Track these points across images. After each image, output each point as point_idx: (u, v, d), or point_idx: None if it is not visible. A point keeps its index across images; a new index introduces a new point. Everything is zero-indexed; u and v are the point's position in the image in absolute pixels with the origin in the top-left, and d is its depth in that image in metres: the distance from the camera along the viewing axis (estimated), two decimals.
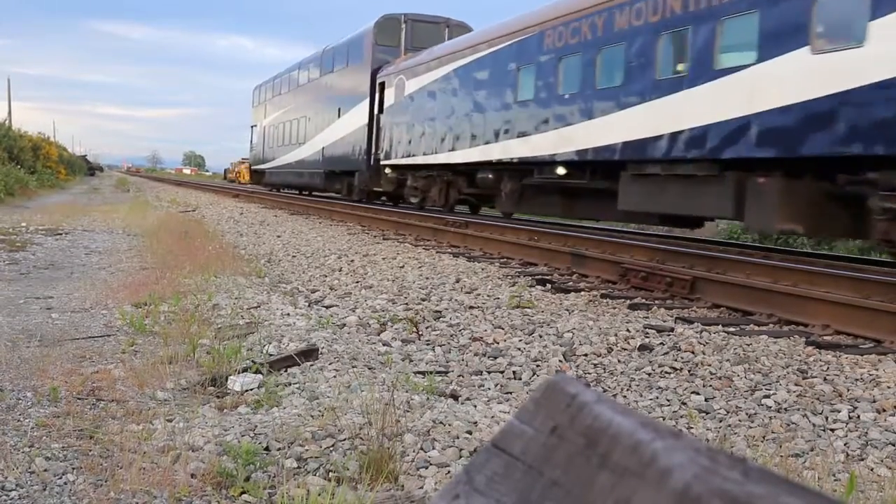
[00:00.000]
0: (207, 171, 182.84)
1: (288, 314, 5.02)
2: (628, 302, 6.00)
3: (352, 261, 8.42)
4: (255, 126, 36.58)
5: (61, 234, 10.67)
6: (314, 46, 34.44)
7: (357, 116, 21.47)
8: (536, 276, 7.31)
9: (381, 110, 20.12)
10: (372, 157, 20.24)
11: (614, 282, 7.06)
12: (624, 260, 7.66)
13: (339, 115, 23.24)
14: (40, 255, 8.23)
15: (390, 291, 6.33)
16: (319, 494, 2.13)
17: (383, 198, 22.73)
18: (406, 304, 5.74)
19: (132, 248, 9.33)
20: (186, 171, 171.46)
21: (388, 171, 19.43)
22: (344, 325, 5.00)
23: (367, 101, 20.85)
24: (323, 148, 24.54)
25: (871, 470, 2.79)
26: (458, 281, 6.91)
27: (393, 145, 19.05)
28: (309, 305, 5.73)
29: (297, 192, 31.57)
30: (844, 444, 3.03)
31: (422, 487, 2.34)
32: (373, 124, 20.34)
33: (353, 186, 22.00)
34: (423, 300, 5.91)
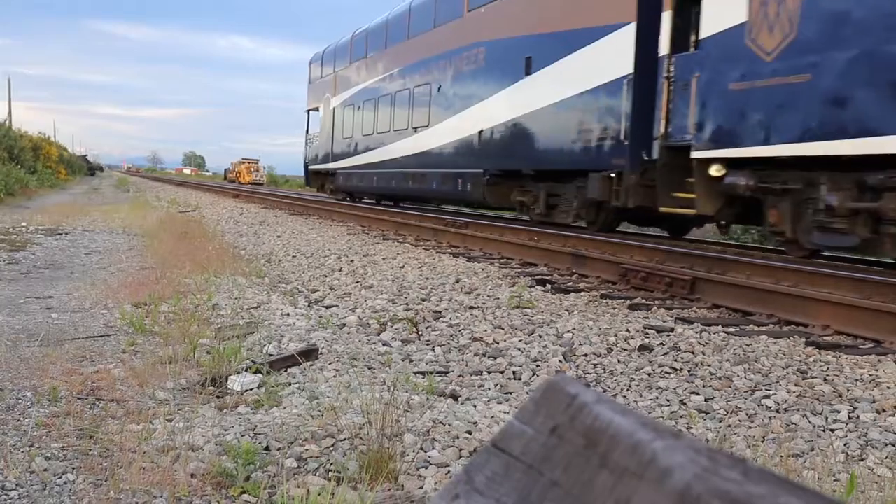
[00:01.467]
0: (208, 171, 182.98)
1: (288, 314, 5.02)
2: (628, 302, 6.00)
3: (352, 261, 8.42)
4: (317, 109, 26.10)
5: (61, 233, 10.67)
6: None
7: (589, 68, 11.14)
8: (536, 277, 7.31)
9: (677, 47, 9.65)
10: (655, 143, 9.71)
11: (614, 282, 7.06)
12: (624, 260, 7.66)
13: (527, 72, 12.78)
14: (40, 254, 8.22)
15: (390, 291, 6.33)
16: (319, 494, 2.13)
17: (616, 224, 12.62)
18: (406, 304, 5.74)
19: (132, 247, 9.33)
20: (187, 171, 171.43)
21: (714, 170, 8.81)
22: (344, 325, 5.00)
23: (624, 35, 10.54)
24: (481, 132, 14.39)
25: (871, 470, 2.78)
26: (458, 281, 6.90)
27: (745, 116, 8.32)
28: (309, 305, 5.73)
29: (393, 204, 20.92)
30: (844, 445, 3.03)
31: (422, 487, 2.34)
32: (653, 77, 9.78)
33: (581, 201, 11.85)
34: (423, 300, 5.91)
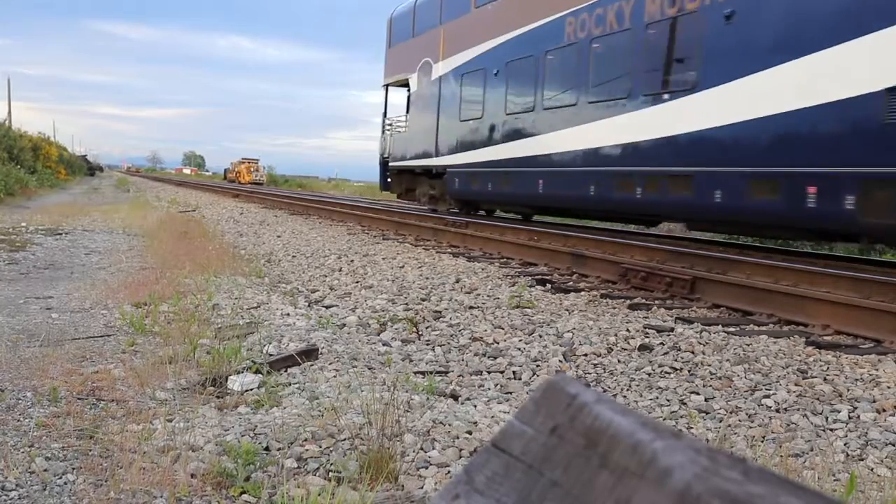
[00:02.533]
0: (207, 171, 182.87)
1: (288, 314, 5.02)
2: (628, 302, 6.00)
3: (352, 261, 8.42)
4: (405, 85, 18.51)
5: (61, 234, 10.67)
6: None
7: None
8: (536, 276, 7.31)
9: None
10: None
11: (614, 282, 7.06)
12: (624, 260, 7.66)
13: None
14: (40, 255, 8.22)
15: (390, 291, 6.33)
16: (319, 494, 2.13)
17: None
18: (406, 304, 5.74)
19: (132, 247, 9.33)
20: (186, 171, 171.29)
21: None
22: (344, 325, 5.00)
23: None
24: None
25: (871, 470, 2.79)
26: (457, 281, 6.90)
27: None
28: (309, 305, 5.73)
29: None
30: (844, 444, 3.03)
31: (422, 487, 2.34)
32: None
33: None
34: (423, 300, 5.91)
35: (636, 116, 10.39)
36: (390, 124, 19.20)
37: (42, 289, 6.02)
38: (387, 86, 19.33)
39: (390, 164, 18.79)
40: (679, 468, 0.51)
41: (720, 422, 3.26)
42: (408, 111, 18.17)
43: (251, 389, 3.29)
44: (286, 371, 3.56)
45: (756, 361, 4.13)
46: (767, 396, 3.56)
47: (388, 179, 19.24)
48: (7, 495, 2.21)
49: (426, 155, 16.75)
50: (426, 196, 17.44)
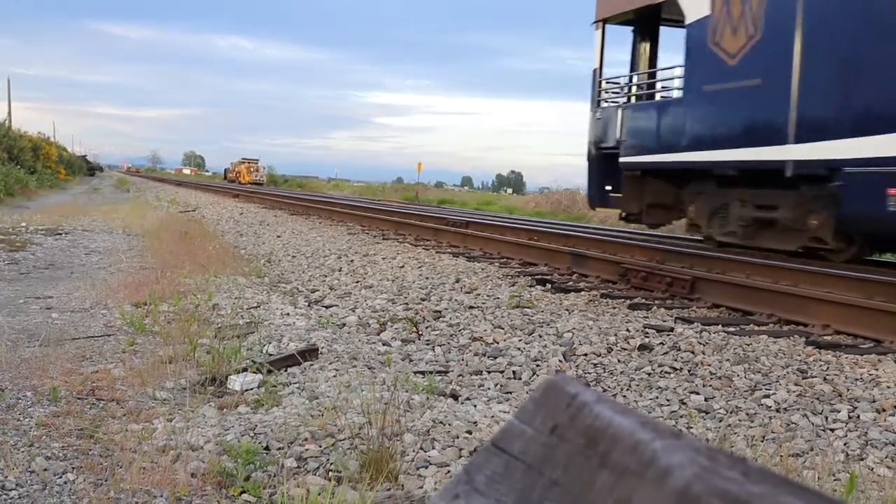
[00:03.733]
0: (207, 171, 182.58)
1: (288, 314, 5.02)
2: (628, 302, 6.00)
3: (352, 261, 8.42)
4: (667, 14, 9.95)
5: (61, 234, 10.67)
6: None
7: None
8: (536, 276, 7.31)
9: None
10: None
11: (614, 282, 7.06)
12: (624, 260, 7.66)
13: None
14: (40, 255, 8.22)
15: (390, 291, 6.33)
16: (319, 494, 2.13)
17: None
18: (406, 303, 5.74)
19: (132, 247, 9.33)
20: (186, 171, 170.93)
21: None
22: (344, 324, 5.00)
23: None
24: None
25: (871, 470, 2.79)
26: (457, 281, 6.90)
27: None
28: (309, 305, 5.73)
29: None
30: (844, 444, 3.03)
31: (422, 487, 2.34)
32: None
33: None
34: (423, 300, 5.91)
35: None
36: (617, 87, 11.40)
37: (42, 289, 6.02)
38: (603, 22, 10.99)
39: (622, 158, 10.36)
40: (679, 468, 0.51)
41: (720, 422, 3.26)
42: (688, 57, 9.34)
43: (251, 389, 3.29)
44: (286, 371, 3.56)
45: (756, 361, 4.13)
46: (767, 396, 3.56)
47: (608, 187, 10.98)
48: (7, 494, 2.21)
49: (754, 139, 8.28)
50: (736, 222, 8.98)
